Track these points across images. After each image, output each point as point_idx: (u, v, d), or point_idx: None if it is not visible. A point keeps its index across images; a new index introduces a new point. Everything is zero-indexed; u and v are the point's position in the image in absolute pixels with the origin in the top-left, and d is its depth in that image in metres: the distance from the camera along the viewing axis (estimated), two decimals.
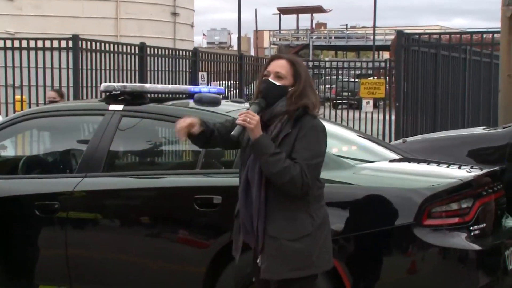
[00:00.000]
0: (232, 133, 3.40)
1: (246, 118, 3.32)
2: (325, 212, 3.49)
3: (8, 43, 10.75)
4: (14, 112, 10.34)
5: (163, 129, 5.31)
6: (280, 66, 3.45)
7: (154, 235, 4.54)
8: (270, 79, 3.44)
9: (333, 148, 4.69)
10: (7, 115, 10.77)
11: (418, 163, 5.11)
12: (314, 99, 3.45)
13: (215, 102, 4.72)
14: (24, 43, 10.61)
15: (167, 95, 5.33)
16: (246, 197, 3.43)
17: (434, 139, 7.18)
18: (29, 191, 4.82)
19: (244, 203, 3.44)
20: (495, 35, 10.93)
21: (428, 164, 5.03)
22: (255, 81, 13.08)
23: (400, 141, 7.20)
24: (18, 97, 10.87)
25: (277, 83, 3.41)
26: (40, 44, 10.53)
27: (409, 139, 7.37)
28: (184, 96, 5.21)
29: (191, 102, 4.85)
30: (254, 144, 3.34)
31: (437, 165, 4.96)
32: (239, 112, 3.43)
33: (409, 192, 4.13)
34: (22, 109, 10.17)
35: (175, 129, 3.57)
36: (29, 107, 10.39)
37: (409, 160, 5.12)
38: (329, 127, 5.45)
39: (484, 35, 11.90)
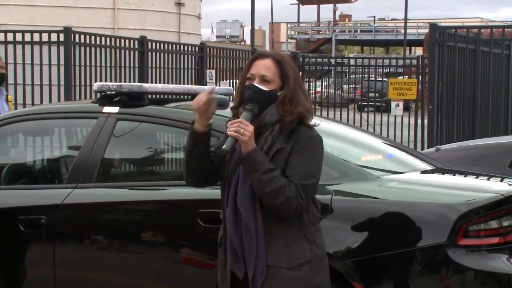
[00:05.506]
0: (223, 147, 3.18)
1: (239, 128, 3.14)
2: (323, 237, 3.37)
3: None
4: None
5: (163, 134, 5.32)
6: (266, 67, 3.28)
7: (154, 254, 4.55)
8: (255, 83, 3.29)
9: (355, 157, 4.69)
10: None
11: (454, 175, 5.09)
12: (308, 105, 3.30)
13: (223, 105, 4.70)
14: (10, 36, 10.66)
15: (168, 96, 5.33)
16: (235, 219, 3.27)
17: (473, 147, 7.16)
18: (12, 204, 4.84)
19: (234, 227, 3.28)
20: None
21: (465, 176, 5.01)
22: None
23: (433, 149, 7.20)
24: None
25: (265, 88, 3.26)
26: (28, 37, 10.57)
27: (443, 147, 7.36)
28: (187, 97, 5.22)
29: None
30: (245, 158, 3.18)
31: (476, 177, 4.93)
32: (229, 121, 3.26)
33: (442, 207, 4.11)
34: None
35: (194, 104, 3.28)
36: (15, 108, 10.45)
37: (443, 171, 5.10)
38: (351, 133, 5.53)
39: None
